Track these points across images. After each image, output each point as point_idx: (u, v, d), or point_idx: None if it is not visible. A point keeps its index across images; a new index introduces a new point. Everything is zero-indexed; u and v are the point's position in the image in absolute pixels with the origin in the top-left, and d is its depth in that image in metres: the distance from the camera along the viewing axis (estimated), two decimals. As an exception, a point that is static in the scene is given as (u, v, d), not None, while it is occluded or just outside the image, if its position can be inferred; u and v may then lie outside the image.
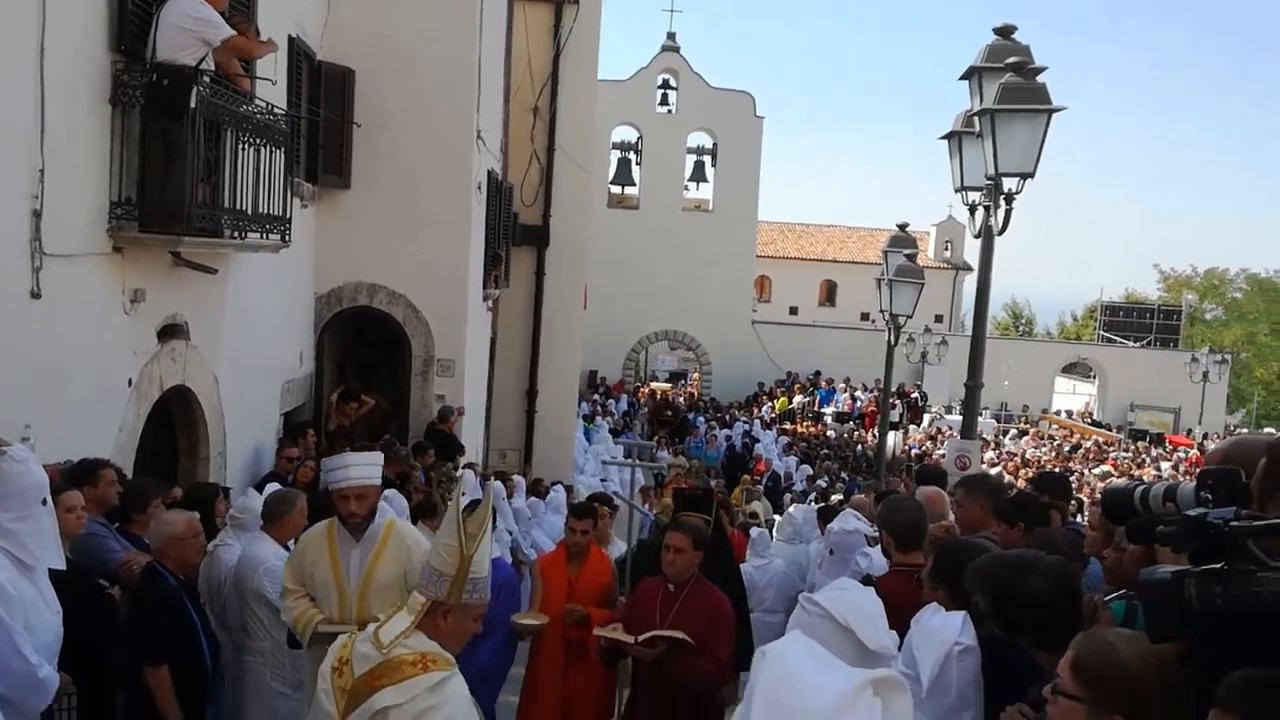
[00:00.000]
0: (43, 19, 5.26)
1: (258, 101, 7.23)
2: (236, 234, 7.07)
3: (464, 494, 9.00)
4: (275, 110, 7.56)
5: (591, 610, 5.55)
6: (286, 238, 7.99)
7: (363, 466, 4.67)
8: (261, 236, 7.59)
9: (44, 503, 3.72)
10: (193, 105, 6.09)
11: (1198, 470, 2.85)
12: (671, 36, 32.11)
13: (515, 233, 15.67)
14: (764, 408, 30.20)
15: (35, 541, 3.64)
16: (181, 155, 6.11)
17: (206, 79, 6.23)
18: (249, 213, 7.20)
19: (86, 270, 5.89)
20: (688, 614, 4.78)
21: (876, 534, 7.51)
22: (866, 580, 4.70)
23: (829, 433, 27.58)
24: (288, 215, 7.98)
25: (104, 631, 4.35)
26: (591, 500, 7.42)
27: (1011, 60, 8.00)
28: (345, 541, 4.63)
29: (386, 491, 7.23)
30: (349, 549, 4.61)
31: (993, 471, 22.07)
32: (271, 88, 7.75)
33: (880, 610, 3.08)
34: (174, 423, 7.58)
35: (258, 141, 7.17)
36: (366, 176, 10.63)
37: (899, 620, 3.45)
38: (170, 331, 6.98)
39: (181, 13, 6.18)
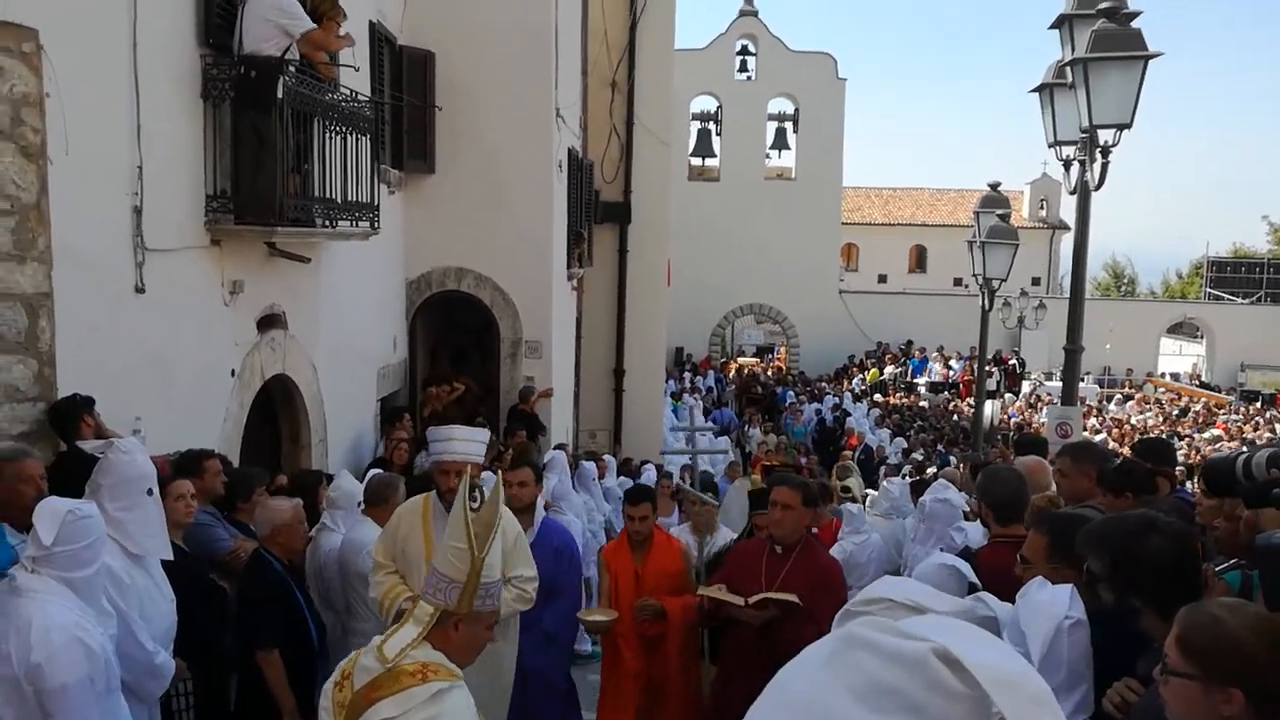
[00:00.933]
0: (134, 16, 5.39)
1: (342, 89, 7.33)
2: (327, 223, 7.19)
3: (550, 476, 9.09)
4: (360, 97, 7.66)
5: (665, 601, 5.25)
6: (376, 225, 8.10)
7: (466, 442, 4.67)
8: (351, 224, 7.71)
9: (150, 493, 3.83)
10: (279, 96, 6.20)
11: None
12: (749, 0, 31.60)
13: (597, 210, 15.65)
14: (854, 380, 29.77)
15: (141, 531, 3.75)
16: (271, 146, 6.23)
17: (292, 69, 6.33)
18: (338, 201, 7.32)
19: (186, 263, 6.06)
20: (797, 577, 4.51)
21: (969, 507, 7.37)
22: (966, 553, 4.58)
23: (923, 404, 27.06)
24: (376, 202, 8.09)
25: (216, 619, 4.48)
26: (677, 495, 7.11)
27: (1104, 5, 7.65)
28: (440, 517, 4.49)
29: (484, 474, 7.34)
30: (444, 525, 4.53)
31: (1096, 439, 21.43)
32: (355, 75, 7.84)
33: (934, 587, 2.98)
34: (276, 411, 7.78)
35: (344, 129, 7.27)
36: (450, 160, 10.72)
37: (1000, 593, 3.35)
38: (269, 321, 7.15)
39: (267, 4, 6.29)
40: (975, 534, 6.03)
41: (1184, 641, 2.15)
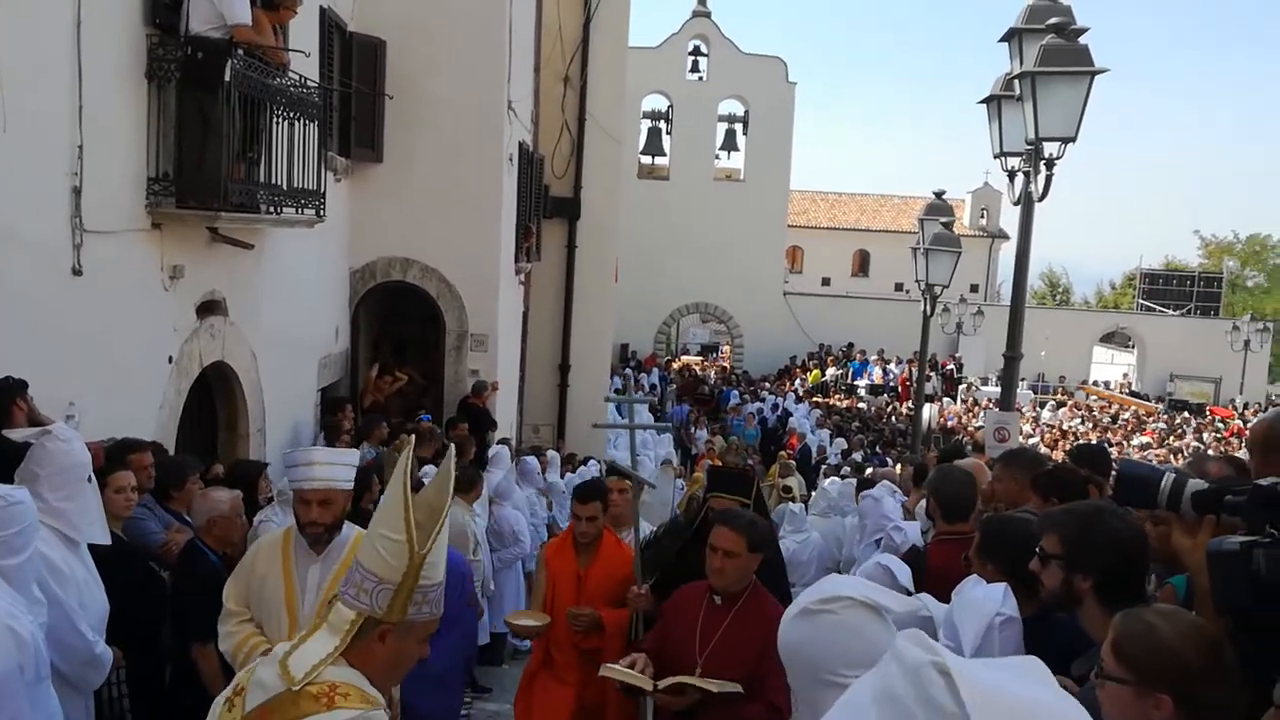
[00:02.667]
0: (78, -6, 5.26)
1: (291, 74, 7.21)
2: (272, 209, 7.07)
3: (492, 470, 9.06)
4: (308, 83, 7.54)
5: (604, 613, 4.69)
6: (321, 212, 7.98)
7: (329, 466, 3.89)
8: (297, 211, 7.59)
9: (89, 480, 3.76)
10: (227, 79, 6.08)
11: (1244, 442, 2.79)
12: (702, 1, 31.74)
13: (547, 205, 15.60)
14: (796, 381, 30.07)
15: (82, 519, 3.68)
16: (217, 129, 6.11)
17: (240, 51, 6.21)
18: (284, 187, 7.20)
19: (126, 247, 5.91)
20: (740, 637, 3.74)
21: (909, 506, 7.51)
22: (913, 550, 4.67)
23: (862, 405, 27.41)
24: (322, 190, 7.97)
25: (153, 608, 4.39)
26: (609, 473, 6.25)
27: (1053, 21, 7.82)
28: (303, 555, 3.91)
29: (425, 468, 7.28)
30: (307, 564, 3.91)
31: (1030, 443, 21.90)
32: (304, 60, 7.72)
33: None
34: (214, 399, 7.64)
35: (291, 115, 7.15)
36: (398, 150, 10.60)
37: (945, 590, 3.42)
38: (209, 308, 7.02)
39: None
40: (913, 532, 6.15)
41: (1119, 647, 2.21)
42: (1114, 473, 3.02)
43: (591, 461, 12.96)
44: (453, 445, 3.15)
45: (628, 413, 5.23)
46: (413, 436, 9.45)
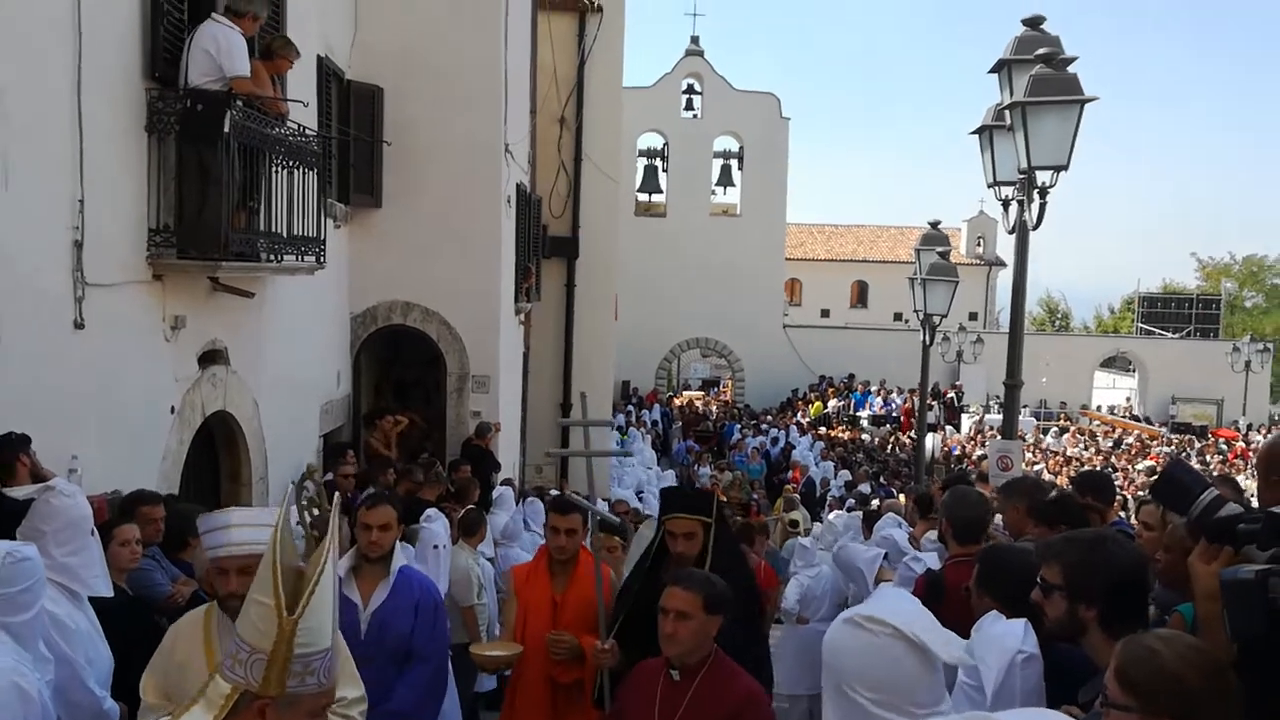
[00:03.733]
0: (79, 49, 5.32)
1: (289, 123, 7.28)
2: (272, 257, 7.11)
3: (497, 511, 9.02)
4: (307, 131, 7.61)
5: (586, 640, 4.28)
6: (321, 259, 8.03)
7: (249, 528, 3.31)
8: (297, 259, 7.63)
9: (91, 533, 3.75)
10: (226, 130, 6.14)
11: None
12: (695, 40, 32.18)
13: (545, 245, 15.68)
14: (798, 413, 30.05)
15: (87, 572, 3.67)
16: (217, 181, 6.16)
17: (239, 103, 6.28)
18: (284, 235, 7.24)
19: (127, 298, 5.94)
20: (701, 717, 3.32)
21: (917, 536, 7.47)
22: (929, 573, 4.65)
23: (865, 436, 27.36)
24: (322, 236, 8.02)
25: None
26: (600, 529, 5.75)
27: (1041, 51, 7.90)
28: (227, 634, 3.12)
29: (428, 510, 7.24)
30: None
31: (1034, 470, 21.83)
32: (303, 109, 7.80)
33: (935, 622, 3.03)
34: (216, 448, 7.63)
35: (290, 163, 7.21)
36: (397, 194, 10.68)
37: (963, 611, 3.41)
38: (210, 357, 7.03)
39: (210, 36, 6.24)
40: (931, 561, 6.07)
41: (1122, 674, 2.19)
42: (1162, 469, 3.02)
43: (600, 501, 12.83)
44: (337, 495, 2.97)
45: (583, 438, 4.70)
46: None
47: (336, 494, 2.71)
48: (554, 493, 11.97)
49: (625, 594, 4.43)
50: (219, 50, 6.19)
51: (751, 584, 4.43)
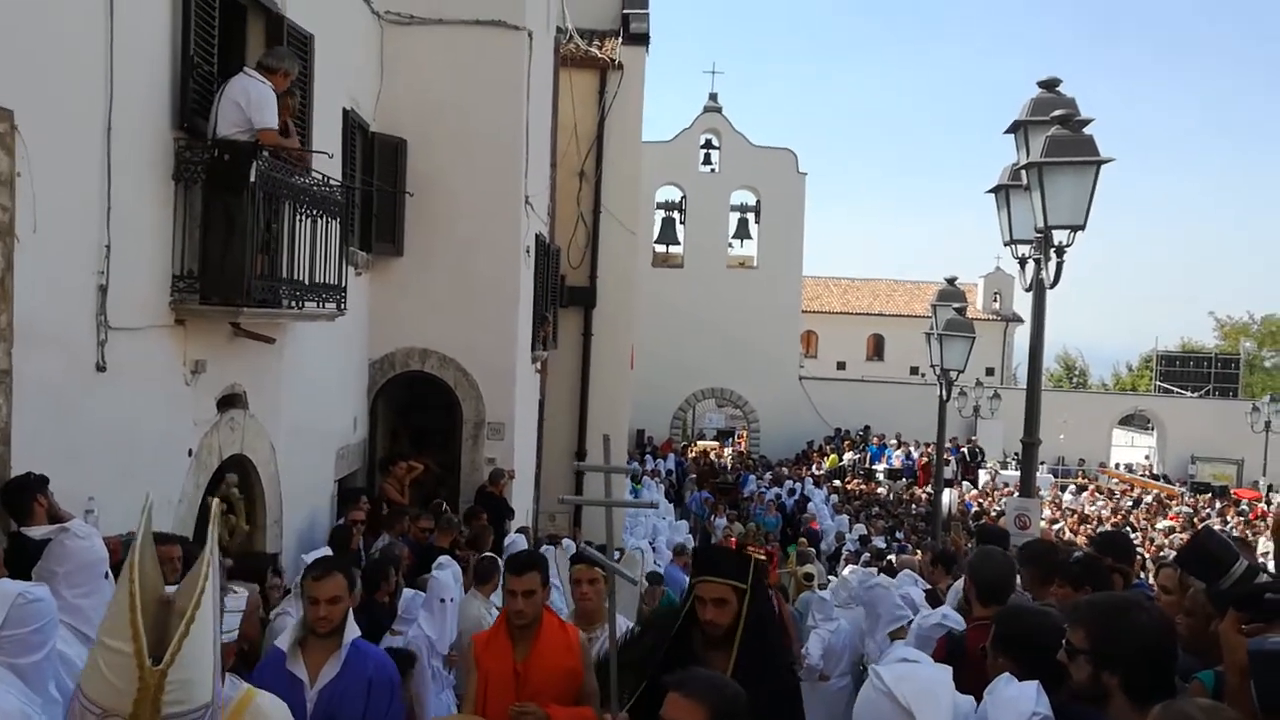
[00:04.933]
0: (110, 98, 5.45)
1: (314, 173, 7.41)
2: (294, 304, 7.19)
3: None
4: (331, 182, 7.74)
5: (552, 710, 4.02)
6: (342, 306, 8.11)
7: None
8: (318, 305, 7.72)
9: (106, 576, 3.77)
10: (252, 179, 6.25)
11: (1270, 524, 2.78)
12: (713, 97, 32.59)
13: (562, 294, 15.80)
14: (813, 465, 29.88)
15: (98, 614, 3.68)
16: (241, 228, 6.26)
17: (265, 153, 6.40)
18: (306, 283, 7.33)
19: (150, 342, 6.02)
20: None
21: (941, 590, 7.39)
22: (950, 637, 4.57)
23: (880, 490, 27.16)
24: (343, 284, 8.12)
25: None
26: (575, 560, 5.49)
27: (1057, 113, 7.97)
28: None
29: (440, 558, 7.22)
30: None
31: (1054, 529, 21.60)
32: (327, 159, 7.93)
33: (948, 693, 3.00)
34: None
35: (314, 213, 7.33)
36: (418, 243, 10.80)
37: (984, 678, 3.36)
38: (229, 401, 7.09)
39: (241, 89, 6.38)
40: (954, 618, 5.90)
41: None
42: (1191, 538, 2.98)
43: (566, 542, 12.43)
44: (216, 501, 2.70)
45: (602, 485, 4.62)
46: (217, 501, 9.30)
47: (216, 500, 2.38)
48: (566, 541, 11.91)
49: (630, 647, 4.27)
50: (248, 103, 6.33)
51: (789, 667, 3.91)
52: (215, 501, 2.18)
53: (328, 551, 6.76)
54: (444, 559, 7.15)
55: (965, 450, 29.93)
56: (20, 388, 4.78)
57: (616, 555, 9.02)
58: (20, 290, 4.76)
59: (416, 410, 12.11)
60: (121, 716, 1.49)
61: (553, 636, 4.20)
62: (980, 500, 26.19)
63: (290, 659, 3.85)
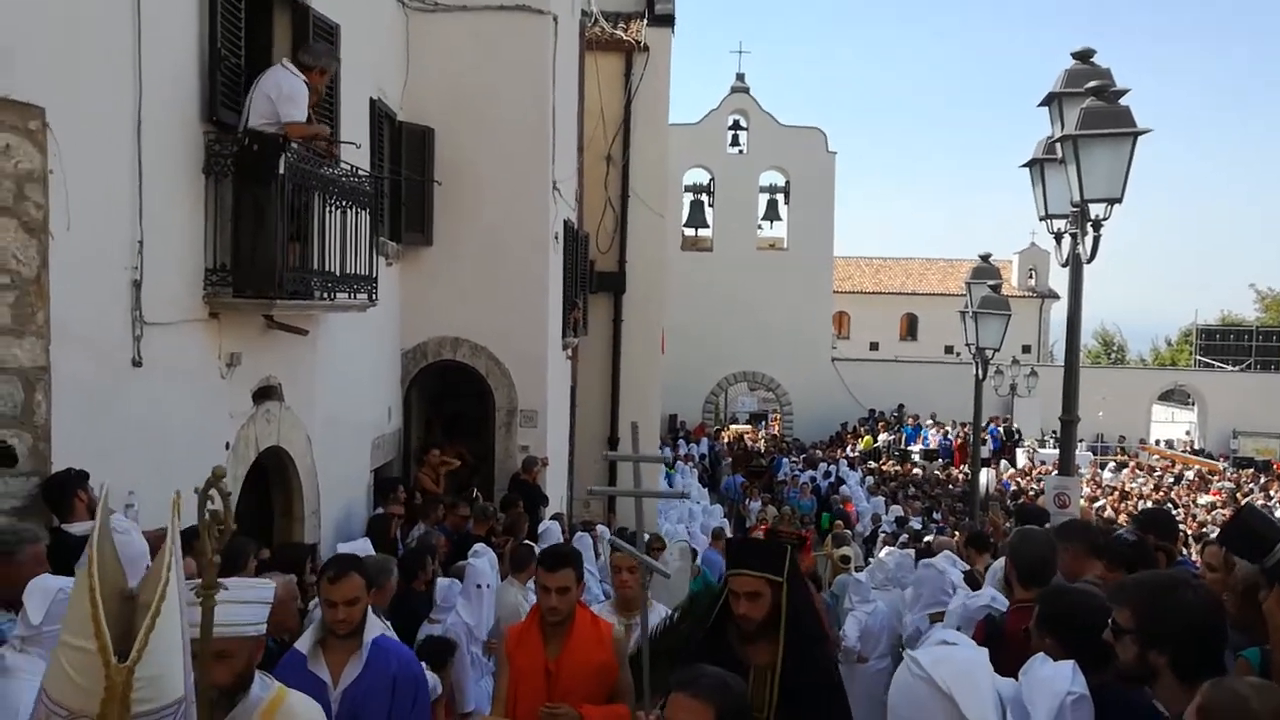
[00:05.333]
0: (139, 93, 5.47)
1: (343, 164, 7.42)
2: (326, 295, 7.22)
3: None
4: (359, 172, 7.75)
5: (585, 710, 3.93)
6: (374, 296, 8.14)
7: (226, 605, 2.61)
8: (350, 296, 7.74)
9: (147, 568, 3.80)
10: (281, 172, 6.27)
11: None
12: (740, 78, 32.32)
13: (592, 280, 15.77)
14: (847, 447, 29.73)
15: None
16: (272, 221, 6.28)
17: (294, 145, 6.41)
18: (337, 274, 7.35)
19: (184, 337, 6.06)
20: None
21: (980, 571, 7.32)
22: (989, 620, 4.52)
23: (916, 471, 27.00)
24: (374, 275, 8.14)
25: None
26: (614, 549, 5.32)
27: (1092, 84, 7.82)
28: None
29: (475, 546, 7.25)
30: None
31: (1095, 506, 21.36)
32: (355, 150, 7.94)
33: (987, 675, 2.96)
34: (269, 483, 7.72)
35: (344, 203, 7.34)
36: (447, 232, 10.82)
37: (1022, 660, 3.32)
38: (265, 393, 7.14)
39: (274, 82, 6.41)
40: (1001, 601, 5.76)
41: (1205, 715, 2.12)
42: (1233, 515, 2.94)
43: (601, 527, 12.43)
44: (177, 492, 2.49)
45: (631, 474, 4.38)
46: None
47: (177, 492, 2.16)
48: (600, 528, 11.91)
49: (666, 635, 4.20)
50: (279, 96, 6.34)
51: (830, 664, 3.75)
52: (176, 492, 2.10)
53: (367, 543, 6.80)
54: (479, 546, 7.19)
55: (1002, 429, 29.65)
56: (58, 385, 4.83)
57: (659, 553, 8.97)
58: (56, 287, 4.80)
59: (449, 399, 12.16)
60: (89, 717, 1.45)
61: (585, 632, 4.12)
62: (1019, 480, 25.96)
63: (311, 660, 3.81)
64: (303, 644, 3.87)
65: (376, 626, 3.94)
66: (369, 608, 3.92)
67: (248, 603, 2.91)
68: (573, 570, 4.12)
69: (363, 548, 6.42)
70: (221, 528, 1.93)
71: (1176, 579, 2.93)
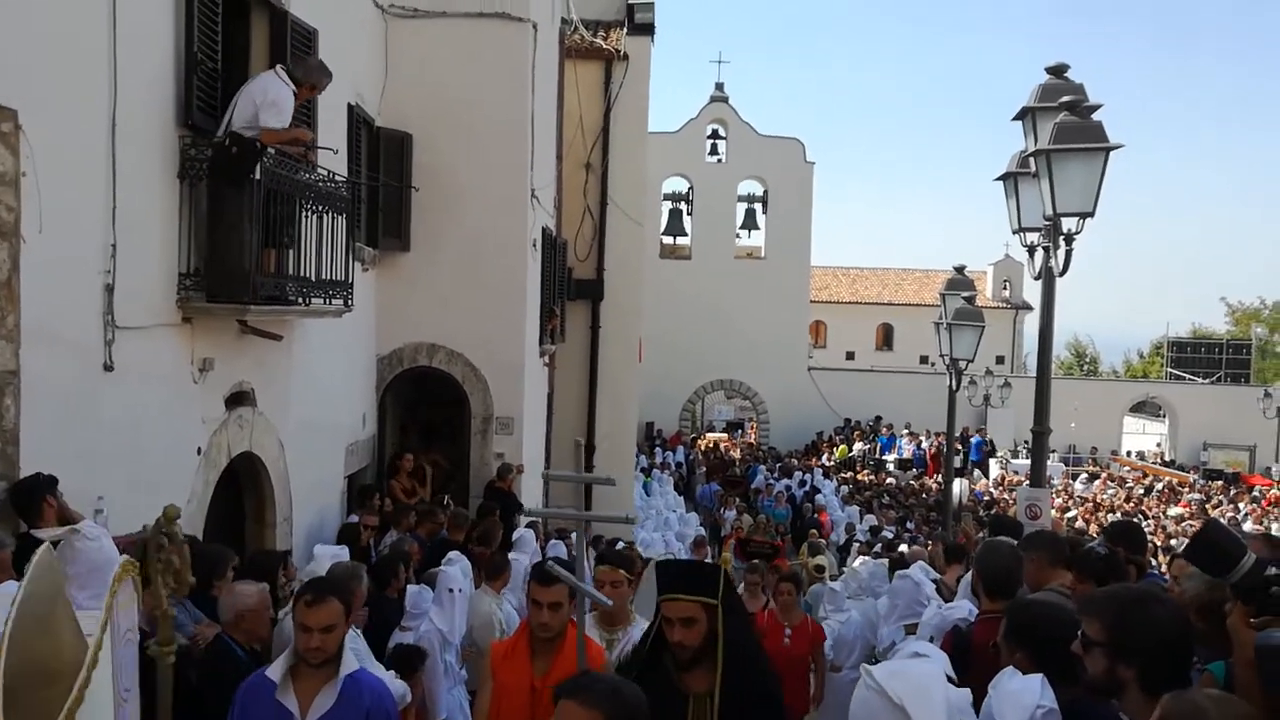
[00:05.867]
0: (114, 97, 5.44)
1: (319, 169, 7.39)
2: (301, 300, 7.19)
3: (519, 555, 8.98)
4: (336, 178, 7.72)
5: None
6: (349, 302, 8.10)
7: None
8: (325, 302, 7.71)
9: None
10: (257, 176, 6.24)
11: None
12: (720, 87, 32.46)
13: (570, 287, 15.78)
14: (823, 455, 29.83)
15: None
16: (247, 226, 6.25)
17: (272, 150, 6.38)
18: (312, 279, 7.32)
19: (157, 341, 6.01)
20: None
21: (948, 583, 7.36)
22: (956, 631, 4.55)
23: (890, 480, 27.12)
24: (350, 280, 8.10)
25: (180, 706, 4.34)
26: (599, 563, 5.14)
27: (1066, 99, 7.90)
28: None
29: (450, 554, 7.22)
30: None
31: (1067, 517, 21.53)
32: (332, 156, 7.92)
33: (942, 689, 2.98)
34: (240, 489, 7.67)
35: (320, 209, 7.31)
36: (425, 238, 10.79)
37: (989, 672, 3.34)
38: (238, 399, 7.09)
39: (262, 88, 6.40)
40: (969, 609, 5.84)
41: None
42: (1197, 531, 2.97)
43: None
44: (573, 535, 2.73)
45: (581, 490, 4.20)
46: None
47: (126, 558, 1.85)
48: (575, 535, 11.85)
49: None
50: (264, 101, 6.33)
51: (773, 691, 3.54)
52: (125, 560, 1.81)
53: (344, 551, 6.72)
54: (453, 554, 7.16)
55: (975, 439, 29.85)
56: (28, 388, 4.78)
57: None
58: (27, 291, 4.76)
59: (425, 405, 12.11)
60: None
61: (574, 650, 3.90)
62: (991, 490, 26.13)
63: (281, 689, 3.65)
64: (274, 671, 3.70)
65: (352, 662, 3.78)
66: (344, 639, 3.75)
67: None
68: (567, 585, 3.92)
69: (339, 553, 6.38)
70: (176, 580, 1.75)
71: (1147, 593, 2.96)
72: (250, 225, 6.25)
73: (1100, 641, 2.78)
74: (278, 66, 6.69)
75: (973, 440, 29.63)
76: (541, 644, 4.00)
